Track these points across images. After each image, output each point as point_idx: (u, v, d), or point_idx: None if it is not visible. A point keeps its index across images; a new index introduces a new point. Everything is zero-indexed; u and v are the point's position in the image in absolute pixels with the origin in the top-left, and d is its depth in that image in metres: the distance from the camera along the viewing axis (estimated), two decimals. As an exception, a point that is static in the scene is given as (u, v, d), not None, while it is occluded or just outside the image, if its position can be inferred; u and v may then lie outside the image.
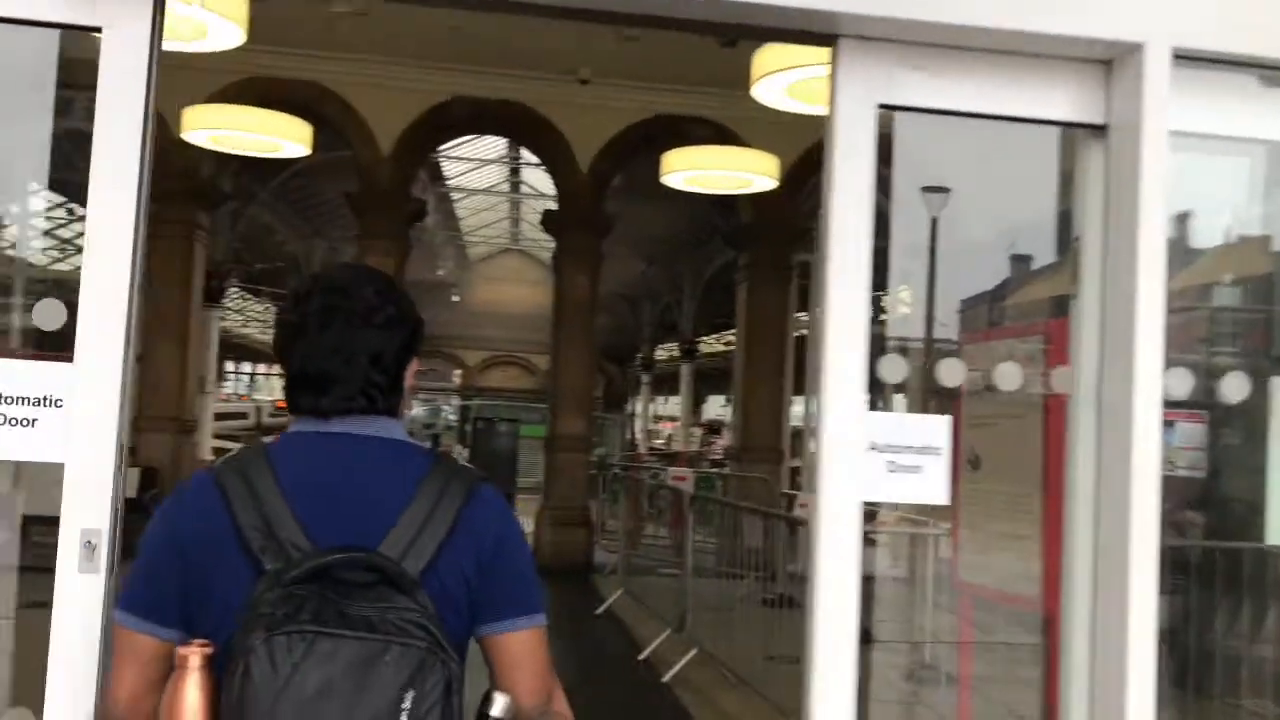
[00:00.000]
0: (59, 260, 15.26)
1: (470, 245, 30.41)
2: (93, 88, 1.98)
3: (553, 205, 12.08)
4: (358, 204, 11.21)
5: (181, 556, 1.49)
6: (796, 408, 12.86)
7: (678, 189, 11.16)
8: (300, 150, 9.16)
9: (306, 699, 1.32)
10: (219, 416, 19.67)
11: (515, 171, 23.87)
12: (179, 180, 10.48)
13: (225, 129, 8.74)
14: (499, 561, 1.55)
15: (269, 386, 56.09)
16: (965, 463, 4.49)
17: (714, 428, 28.20)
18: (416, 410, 28.71)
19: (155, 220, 9.03)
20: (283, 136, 8.86)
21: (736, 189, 10.02)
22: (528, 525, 12.35)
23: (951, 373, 2.49)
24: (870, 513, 8.07)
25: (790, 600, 7.17)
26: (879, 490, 2.24)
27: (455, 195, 25.41)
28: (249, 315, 41.50)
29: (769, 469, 11.29)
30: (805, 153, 11.53)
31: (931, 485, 2.27)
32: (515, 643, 1.56)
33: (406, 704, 1.34)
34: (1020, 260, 4.45)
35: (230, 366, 53.29)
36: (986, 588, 4.32)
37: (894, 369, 2.39)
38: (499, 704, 1.49)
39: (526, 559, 1.62)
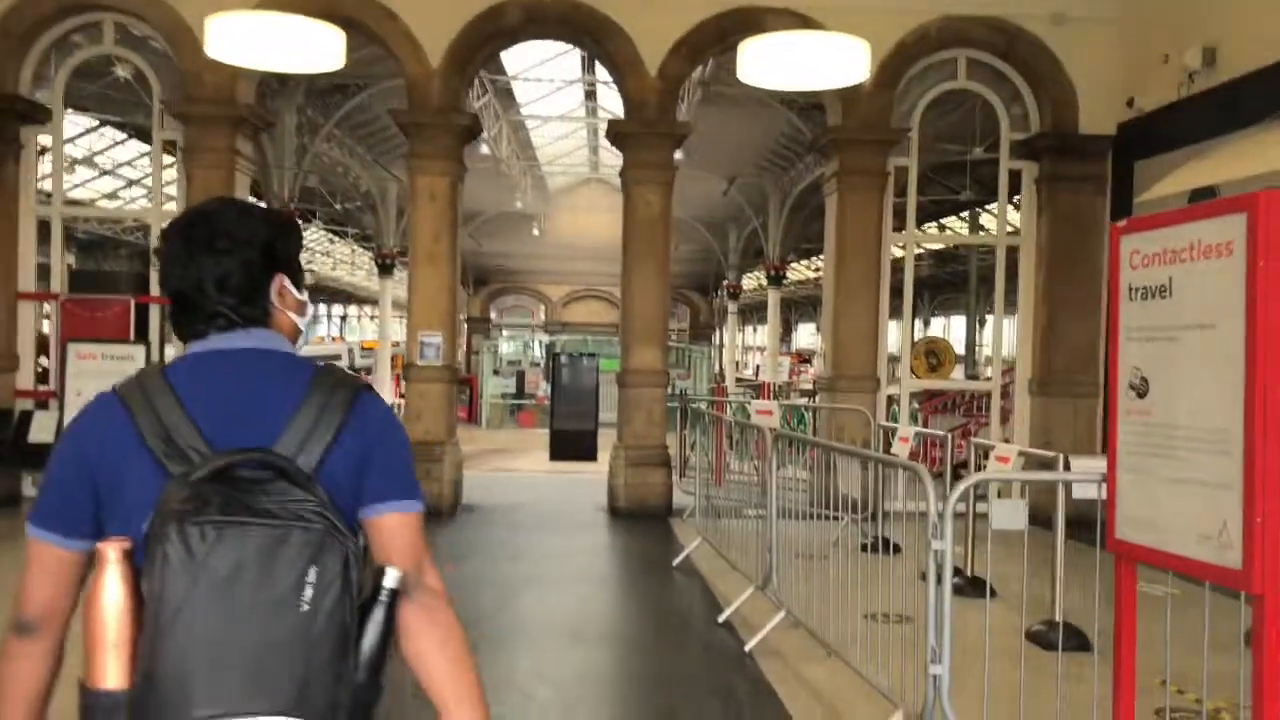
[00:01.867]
0: None
1: (550, 176, 29.51)
2: None
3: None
4: (406, 123, 10.33)
5: (90, 469, 1.60)
6: (893, 333, 11.68)
7: (759, 91, 10.03)
8: (334, 64, 8.32)
9: (220, 580, 1.45)
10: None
11: (591, 95, 22.81)
12: (212, 105, 9.69)
13: (248, 40, 7.90)
14: (378, 454, 1.68)
15: (360, 328, 56.76)
16: (1127, 388, 3.46)
17: (804, 356, 27.18)
18: (504, 347, 28.00)
19: (190, 149, 8.03)
20: (310, 47, 8.00)
21: (823, 85, 8.82)
22: (602, 466, 11.59)
23: None
24: (986, 449, 6.92)
25: (892, 545, 6.30)
26: None
27: (530, 123, 24.49)
28: (337, 258, 41.51)
29: (864, 399, 10.24)
30: (899, 44, 10.27)
31: None
32: (388, 523, 1.67)
33: (311, 578, 1.47)
34: None
35: (322, 309, 53.94)
36: (1153, 550, 3.36)
37: None
38: (391, 576, 1.61)
39: (405, 456, 1.74)
